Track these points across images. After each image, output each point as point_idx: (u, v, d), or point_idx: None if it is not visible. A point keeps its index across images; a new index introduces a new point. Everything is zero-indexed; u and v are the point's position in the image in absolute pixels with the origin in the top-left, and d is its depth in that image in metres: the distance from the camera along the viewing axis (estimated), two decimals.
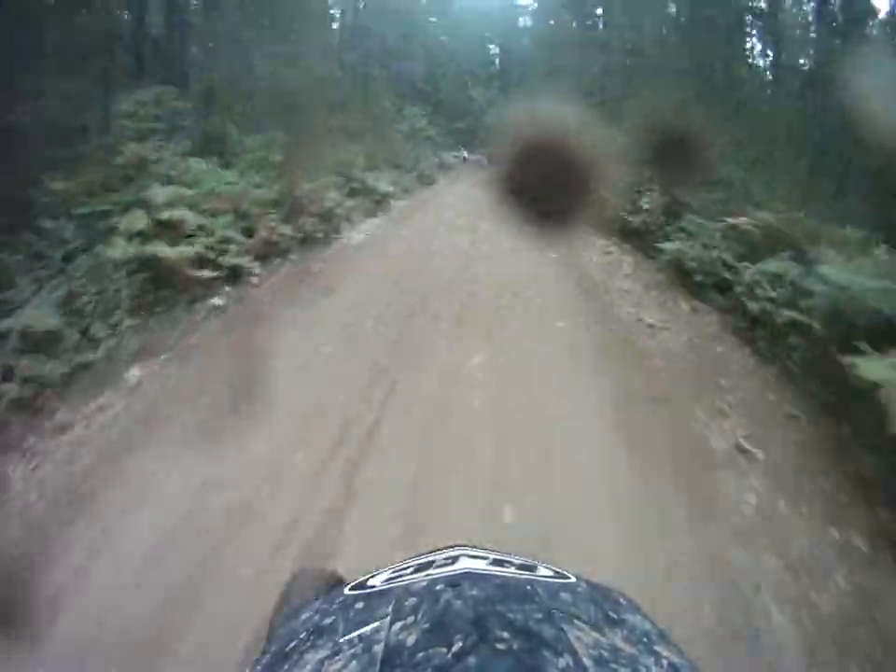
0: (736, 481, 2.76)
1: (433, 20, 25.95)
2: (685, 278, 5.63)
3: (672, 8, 13.80)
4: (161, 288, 4.26)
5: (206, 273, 4.56)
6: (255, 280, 5.16)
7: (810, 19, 11.91)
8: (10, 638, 1.55)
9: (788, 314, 4.03)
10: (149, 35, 8.55)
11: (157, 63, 8.52)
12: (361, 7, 17.89)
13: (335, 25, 17.64)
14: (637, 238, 7.57)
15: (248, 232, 5.53)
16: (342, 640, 0.46)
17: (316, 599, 0.61)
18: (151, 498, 2.43)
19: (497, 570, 0.56)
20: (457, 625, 0.43)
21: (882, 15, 10.28)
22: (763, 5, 12.08)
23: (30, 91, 4.25)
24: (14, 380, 3.01)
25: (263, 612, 1.03)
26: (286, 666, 0.46)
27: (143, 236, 4.38)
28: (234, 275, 4.96)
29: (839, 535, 2.42)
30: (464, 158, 23.18)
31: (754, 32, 12.26)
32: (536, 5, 25.78)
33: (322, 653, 0.45)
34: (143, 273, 4.21)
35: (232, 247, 5.12)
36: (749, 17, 12.20)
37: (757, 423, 3.24)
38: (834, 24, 10.77)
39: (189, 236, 4.75)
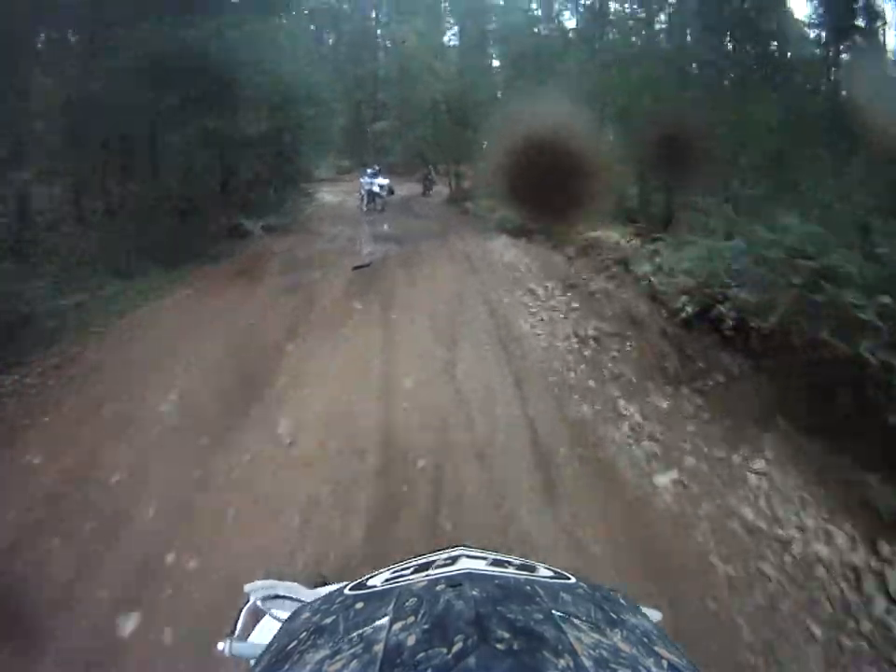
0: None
1: None
2: None
3: None
4: None
5: None
6: None
7: None
8: None
9: None
10: None
11: None
12: None
13: None
14: None
15: None
16: (342, 640, 0.48)
17: (316, 600, 0.66)
18: None
19: (497, 571, 0.60)
20: (458, 626, 0.45)
21: None
22: None
23: None
24: None
25: None
26: (286, 666, 0.49)
27: None
28: None
29: None
30: (374, 193, 15.11)
31: None
32: None
33: (322, 653, 0.48)
34: None
35: None
36: None
37: None
38: None
39: None
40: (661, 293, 6.79)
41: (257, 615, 0.94)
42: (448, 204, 16.95)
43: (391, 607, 0.51)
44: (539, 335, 6.19)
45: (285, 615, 0.79)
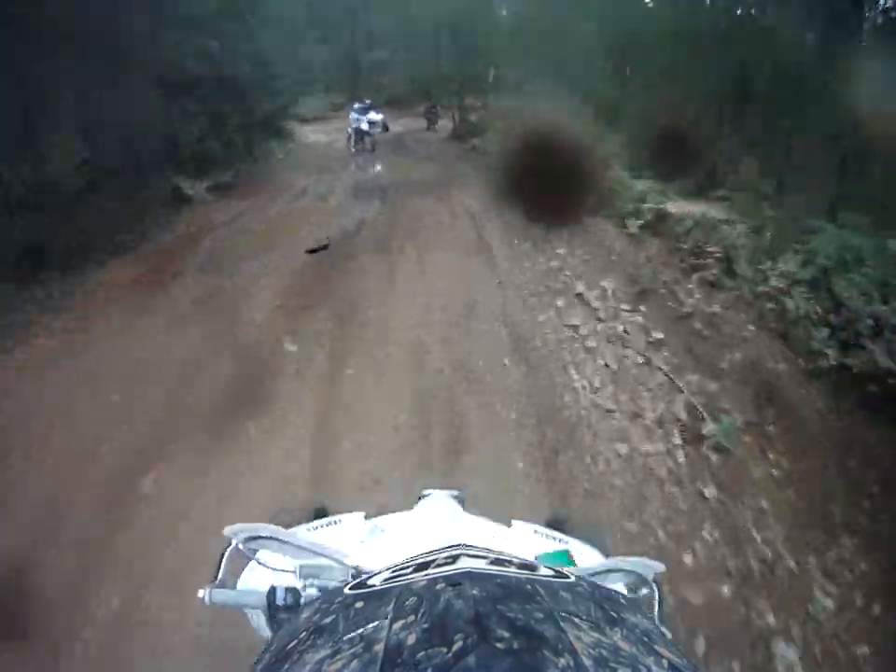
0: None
1: None
2: None
3: None
4: None
5: None
6: None
7: None
8: None
9: None
10: None
11: None
12: None
13: None
14: None
15: None
16: (342, 639, 0.47)
17: (316, 599, 0.66)
18: None
19: (497, 570, 0.58)
20: (458, 625, 0.44)
21: None
22: None
23: None
24: None
25: None
26: (286, 666, 0.47)
27: None
28: None
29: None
30: (363, 131, 12.77)
31: None
32: None
33: (323, 653, 0.46)
34: None
35: None
36: None
37: None
38: None
39: None
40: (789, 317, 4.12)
41: (240, 559, 0.87)
42: (452, 141, 14.43)
43: (391, 606, 0.50)
44: (608, 414, 3.44)
45: (269, 558, 0.83)
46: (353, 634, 0.47)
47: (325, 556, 0.81)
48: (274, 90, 13.29)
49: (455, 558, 0.62)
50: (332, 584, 0.78)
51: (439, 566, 0.60)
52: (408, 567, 0.61)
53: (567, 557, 1.06)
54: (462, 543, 0.72)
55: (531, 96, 11.07)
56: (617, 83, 11.55)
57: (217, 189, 9.11)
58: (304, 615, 0.58)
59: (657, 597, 0.80)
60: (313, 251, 6.08)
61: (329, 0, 18.45)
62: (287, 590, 0.78)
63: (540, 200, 8.16)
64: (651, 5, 11.97)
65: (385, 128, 13.98)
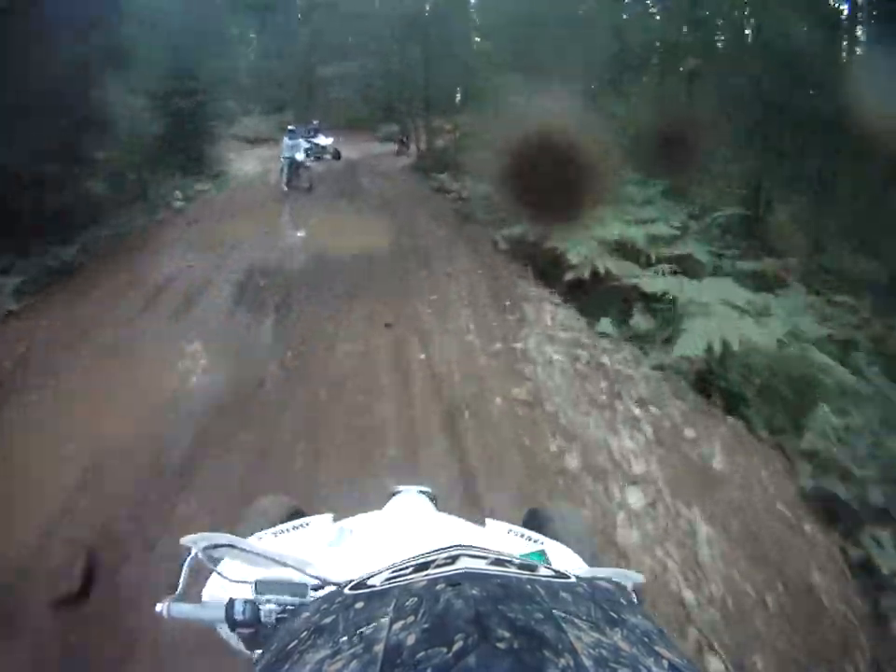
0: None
1: None
2: None
3: None
4: None
5: None
6: None
7: None
8: None
9: None
10: None
11: None
12: None
13: None
14: None
15: None
16: (342, 640, 0.47)
17: (316, 599, 0.67)
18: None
19: (497, 570, 0.58)
20: (458, 625, 0.44)
21: None
22: None
23: None
24: None
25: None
26: (286, 666, 0.47)
27: None
28: None
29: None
30: (297, 163, 10.14)
31: None
32: None
33: (322, 653, 0.46)
34: None
35: None
36: None
37: None
38: None
39: None
40: None
41: (200, 571, 0.85)
42: (415, 174, 12.42)
43: (391, 606, 0.50)
44: None
45: (230, 568, 0.83)
46: (353, 634, 0.46)
47: (285, 566, 0.79)
48: (190, 109, 10.37)
49: (454, 558, 0.62)
50: (289, 599, 0.76)
51: (439, 566, 0.59)
52: (408, 568, 0.61)
53: (543, 558, 1.02)
54: (460, 543, 0.69)
55: (511, 115, 8.32)
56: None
57: (44, 277, 5.94)
58: (304, 615, 0.58)
59: None
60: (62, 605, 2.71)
61: (279, 9, 16.05)
62: (246, 602, 0.75)
63: (573, 325, 5.12)
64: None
65: (337, 156, 11.33)
